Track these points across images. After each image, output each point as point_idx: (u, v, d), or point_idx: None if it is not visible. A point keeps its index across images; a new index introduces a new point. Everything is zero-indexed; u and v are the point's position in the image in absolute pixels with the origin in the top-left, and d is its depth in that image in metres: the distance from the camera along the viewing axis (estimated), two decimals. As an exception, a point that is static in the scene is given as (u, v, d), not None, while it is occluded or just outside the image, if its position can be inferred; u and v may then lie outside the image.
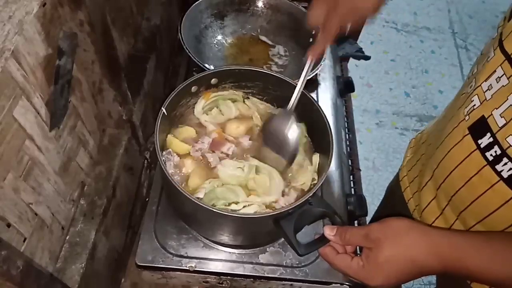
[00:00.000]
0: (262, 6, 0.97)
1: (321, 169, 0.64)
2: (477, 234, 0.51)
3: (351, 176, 0.88)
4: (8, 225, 0.42)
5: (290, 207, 0.54)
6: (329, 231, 0.52)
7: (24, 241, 0.45)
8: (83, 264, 0.55)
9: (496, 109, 0.49)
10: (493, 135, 0.50)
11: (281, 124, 0.62)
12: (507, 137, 0.48)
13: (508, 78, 0.48)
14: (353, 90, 0.98)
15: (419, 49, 2.40)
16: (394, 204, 0.80)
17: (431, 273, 0.48)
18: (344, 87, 0.97)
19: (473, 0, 2.69)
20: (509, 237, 0.48)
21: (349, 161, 0.90)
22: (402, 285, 1.39)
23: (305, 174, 0.64)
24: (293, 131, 0.61)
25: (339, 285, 0.65)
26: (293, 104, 0.61)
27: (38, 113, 0.46)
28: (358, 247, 0.53)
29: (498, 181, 0.51)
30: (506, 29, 0.50)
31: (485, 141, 0.51)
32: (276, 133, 0.63)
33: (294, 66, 0.92)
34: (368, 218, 0.82)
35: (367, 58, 1.14)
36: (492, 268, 0.45)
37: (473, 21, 2.59)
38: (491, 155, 0.51)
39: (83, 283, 0.55)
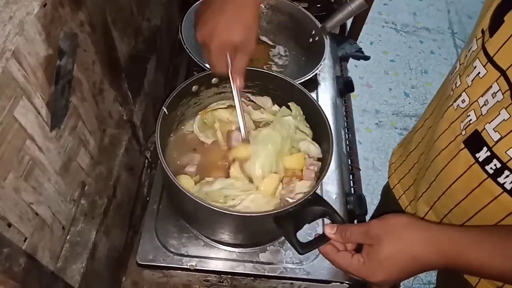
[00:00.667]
0: (263, 6, 0.97)
1: (321, 169, 0.65)
2: (477, 228, 0.51)
3: (351, 176, 0.88)
4: (9, 225, 0.42)
5: (290, 206, 0.54)
6: (330, 230, 0.52)
7: (24, 240, 0.46)
8: (83, 264, 0.55)
9: (489, 123, 0.50)
10: (489, 149, 0.50)
11: None
12: (507, 151, 0.48)
13: (503, 94, 0.48)
14: (352, 90, 0.98)
15: (419, 49, 2.41)
16: (391, 204, 0.80)
17: (432, 268, 0.48)
18: (344, 87, 0.97)
19: (473, 0, 2.70)
20: (508, 230, 0.49)
21: (349, 160, 0.90)
22: (402, 284, 1.39)
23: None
24: None
25: (339, 283, 0.66)
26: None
27: (39, 113, 0.46)
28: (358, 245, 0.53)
29: (502, 193, 0.51)
30: (491, 44, 0.50)
31: (482, 155, 0.51)
32: None
33: (294, 66, 0.93)
34: (367, 218, 0.82)
35: (366, 58, 1.15)
36: (493, 262, 0.45)
37: (472, 21, 2.59)
38: (491, 168, 0.51)
39: (83, 282, 0.55)
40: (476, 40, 0.53)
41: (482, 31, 0.52)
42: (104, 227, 0.61)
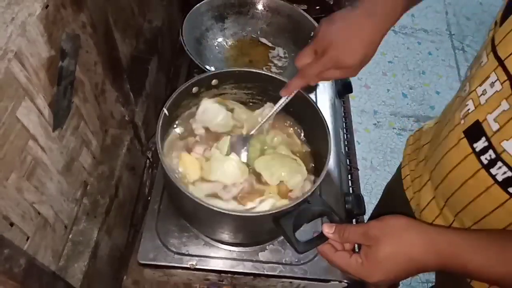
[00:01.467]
0: (262, 8, 0.98)
1: (320, 169, 0.65)
2: (475, 231, 0.51)
3: (349, 176, 0.88)
4: (11, 224, 0.43)
5: (289, 206, 0.55)
6: (328, 229, 0.52)
7: (27, 240, 0.46)
8: (85, 263, 0.56)
9: (490, 114, 0.50)
10: (488, 139, 0.51)
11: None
12: (501, 142, 0.49)
13: (501, 84, 0.48)
14: (351, 91, 0.99)
15: (417, 50, 2.41)
16: (393, 203, 0.81)
17: (429, 270, 0.49)
18: (342, 88, 0.98)
19: (471, 2, 2.71)
20: (506, 235, 0.49)
21: (347, 160, 0.90)
22: (401, 282, 1.40)
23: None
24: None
25: (337, 282, 0.66)
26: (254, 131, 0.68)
27: (41, 114, 0.46)
28: (356, 245, 0.53)
29: (493, 184, 0.51)
30: (498, 34, 0.50)
31: (480, 145, 0.52)
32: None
33: (293, 68, 0.92)
34: (365, 217, 0.82)
35: (365, 59, 1.15)
36: (489, 265, 0.45)
37: (470, 23, 2.60)
38: (486, 159, 0.51)
39: (85, 281, 0.56)
40: (489, 32, 0.54)
41: (496, 23, 0.52)
42: (106, 226, 0.62)
